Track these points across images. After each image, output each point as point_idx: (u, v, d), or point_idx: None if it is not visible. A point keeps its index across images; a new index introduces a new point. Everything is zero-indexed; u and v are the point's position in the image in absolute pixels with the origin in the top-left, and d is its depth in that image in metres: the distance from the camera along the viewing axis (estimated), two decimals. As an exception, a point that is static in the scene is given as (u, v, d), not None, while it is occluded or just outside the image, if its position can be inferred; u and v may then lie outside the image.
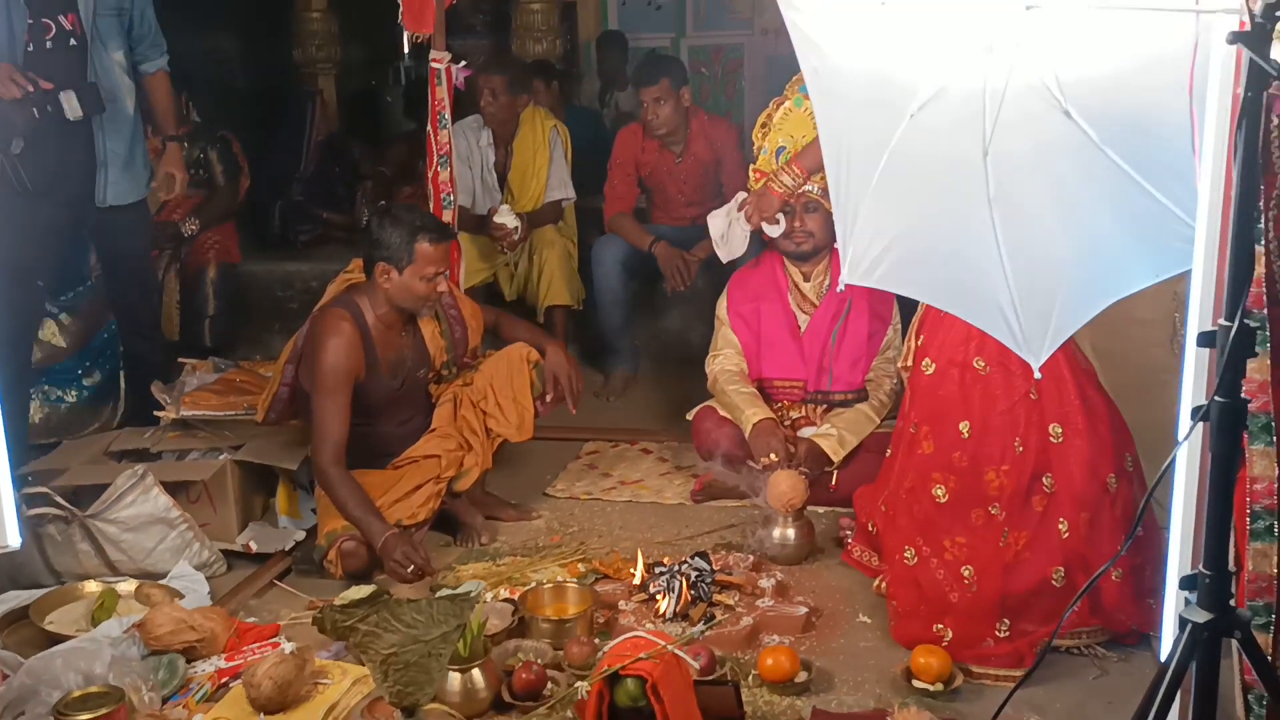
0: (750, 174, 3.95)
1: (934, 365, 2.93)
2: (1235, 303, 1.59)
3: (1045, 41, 1.93)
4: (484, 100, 4.89)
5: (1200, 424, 1.69)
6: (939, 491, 2.88)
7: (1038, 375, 1.90)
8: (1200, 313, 1.84)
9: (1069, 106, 1.98)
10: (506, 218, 4.77)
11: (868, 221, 1.86)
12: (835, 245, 3.70)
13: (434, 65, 4.08)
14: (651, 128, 4.79)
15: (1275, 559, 1.80)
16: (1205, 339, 1.65)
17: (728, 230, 4.13)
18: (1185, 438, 1.71)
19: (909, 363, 3.09)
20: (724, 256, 4.19)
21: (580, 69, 7.77)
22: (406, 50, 9.09)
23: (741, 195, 4.05)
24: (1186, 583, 1.72)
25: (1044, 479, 2.81)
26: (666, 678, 2.44)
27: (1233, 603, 1.71)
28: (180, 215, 5.32)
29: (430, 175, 4.14)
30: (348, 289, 3.46)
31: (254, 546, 3.44)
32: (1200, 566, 1.69)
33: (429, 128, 4.11)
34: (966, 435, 2.84)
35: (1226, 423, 1.61)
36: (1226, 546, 1.69)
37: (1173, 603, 2.00)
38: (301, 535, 3.54)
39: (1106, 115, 1.98)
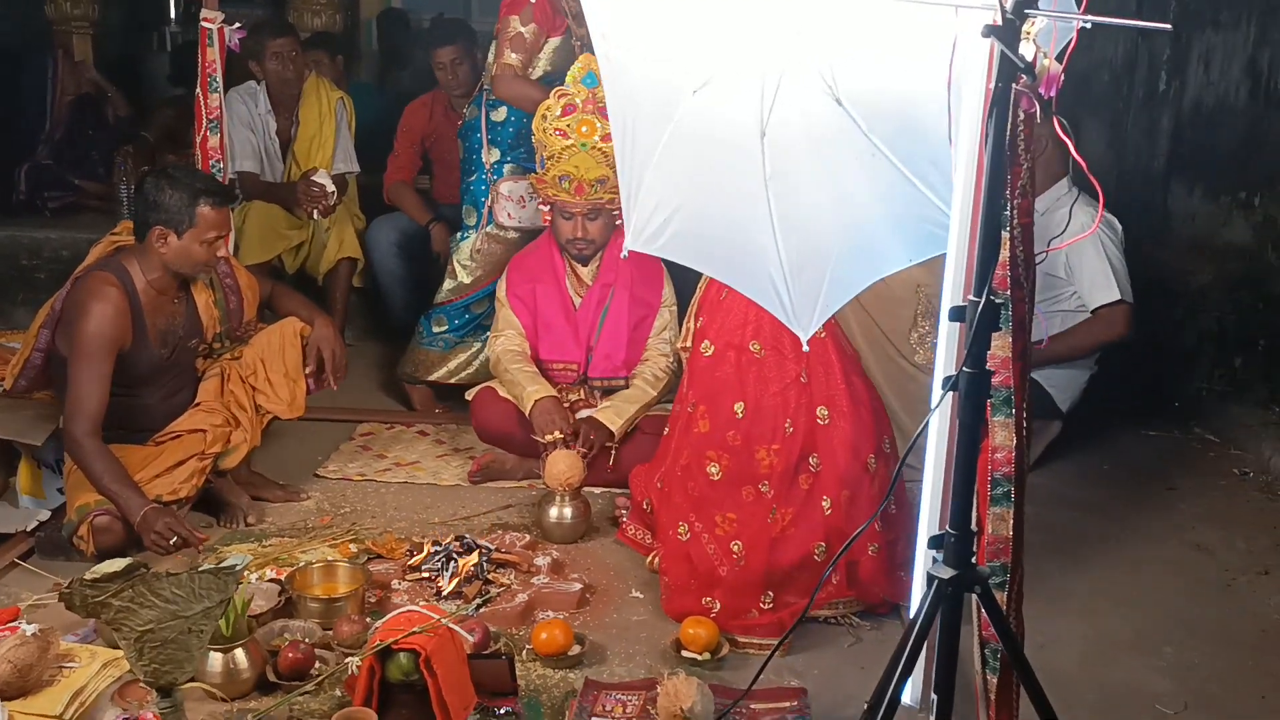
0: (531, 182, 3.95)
1: (712, 347, 3.02)
2: (983, 280, 1.71)
3: (822, 30, 2.02)
4: (270, 64, 4.72)
5: (950, 394, 1.82)
6: (713, 469, 2.97)
7: (806, 348, 2.00)
8: (952, 291, 1.98)
9: (840, 95, 2.08)
10: (325, 179, 4.62)
11: (651, 192, 1.91)
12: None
13: (205, 25, 3.90)
14: (449, 88, 4.78)
15: (1010, 523, 1.95)
16: (956, 314, 1.77)
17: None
18: (937, 405, 1.84)
19: (688, 344, 3.17)
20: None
21: (360, 46, 7.59)
22: (173, 14, 8.68)
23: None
24: (934, 542, 1.84)
25: (810, 459, 2.94)
26: (440, 652, 2.41)
27: (974, 561, 1.84)
28: (-90, 173, 4.89)
29: (199, 140, 3.95)
30: (114, 251, 3.25)
31: (-9, 526, 3.19)
32: (947, 527, 1.81)
33: (198, 90, 3.92)
34: (741, 415, 2.94)
35: (973, 392, 1.74)
36: (970, 509, 1.83)
37: (922, 564, 2.14)
38: (46, 515, 3.31)
39: (874, 105, 2.09)
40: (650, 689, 2.60)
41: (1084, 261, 3.86)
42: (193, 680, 2.31)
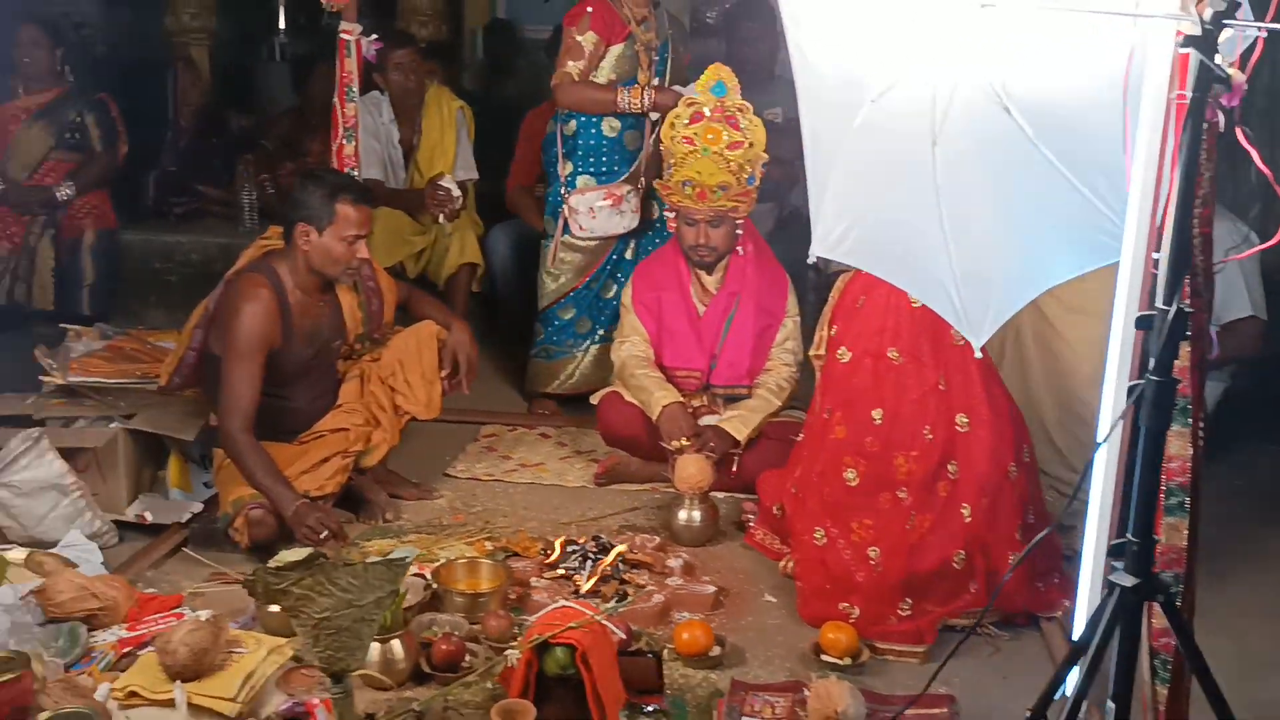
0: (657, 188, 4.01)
1: (849, 354, 3.04)
2: (1174, 288, 1.72)
3: (994, 40, 2.04)
4: (393, 75, 4.85)
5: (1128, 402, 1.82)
6: (850, 475, 2.99)
7: (979, 354, 2.02)
8: (1127, 301, 1.98)
9: (1009, 104, 2.10)
10: (451, 184, 4.72)
11: (834, 198, 1.95)
12: (736, 248, 3.88)
13: (343, 37, 4.02)
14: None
15: (1184, 533, 1.95)
16: (1144, 322, 1.78)
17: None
18: (1121, 416, 1.84)
19: (821, 351, 3.20)
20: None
21: (465, 56, 7.72)
22: (282, 26, 8.91)
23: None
24: (1115, 550, 1.85)
25: (949, 466, 2.95)
26: (595, 648, 2.47)
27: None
28: (54, 179, 5.10)
29: (335, 148, 4.07)
30: (264, 255, 3.37)
31: (149, 517, 3.33)
32: (1129, 535, 1.82)
33: (335, 100, 4.05)
34: (879, 422, 2.96)
35: (1161, 400, 1.74)
36: (1154, 516, 1.83)
37: (1089, 573, 2.14)
38: (198, 507, 3.43)
39: (1042, 113, 2.11)
40: (797, 691, 2.62)
41: (1219, 275, 3.80)
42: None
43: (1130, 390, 1.79)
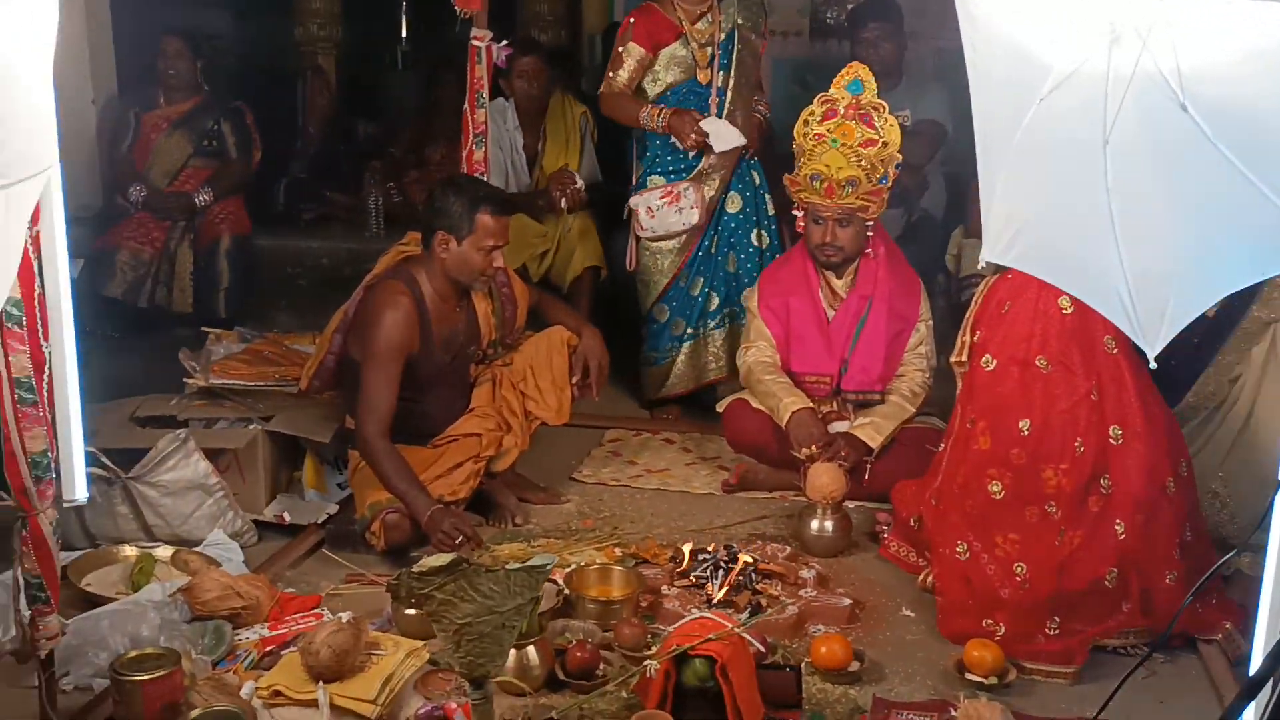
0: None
1: (994, 361, 2.94)
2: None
3: (1171, 31, 1.93)
4: (518, 81, 4.88)
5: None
6: (995, 488, 2.88)
7: (1152, 365, 1.91)
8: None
9: (1185, 100, 1.98)
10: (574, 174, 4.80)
11: (1003, 200, 1.87)
12: (866, 250, 3.80)
13: (475, 43, 4.04)
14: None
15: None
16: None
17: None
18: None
19: (963, 358, 3.09)
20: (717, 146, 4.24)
21: (584, 61, 7.75)
22: (404, 35, 9.07)
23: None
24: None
25: (1102, 480, 2.82)
26: (735, 660, 2.42)
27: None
28: (193, 186, 5.25)
29: (465, 154, 4.10)
30: (403, 261, 3.41)
31: (287, 518, 3.39)
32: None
33: (465, 106, 4.07)
34: (1026, 433, 2.84)
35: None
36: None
37: (1268, 603, 2.02)
38: (334, 509, 3.48)
39: (1222, 112, 1.98)
40: (943, 711, 2.54)
41: None
42: (499, 674, 2.38)
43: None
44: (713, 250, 4.41)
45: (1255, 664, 2.03)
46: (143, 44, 5.50)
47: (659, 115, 4.24)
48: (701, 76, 4.32)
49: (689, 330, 4.43)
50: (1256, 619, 2.07)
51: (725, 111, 4.28)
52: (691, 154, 4.29)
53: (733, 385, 4.19)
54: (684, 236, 4.36)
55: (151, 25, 5.45)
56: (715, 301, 4.42)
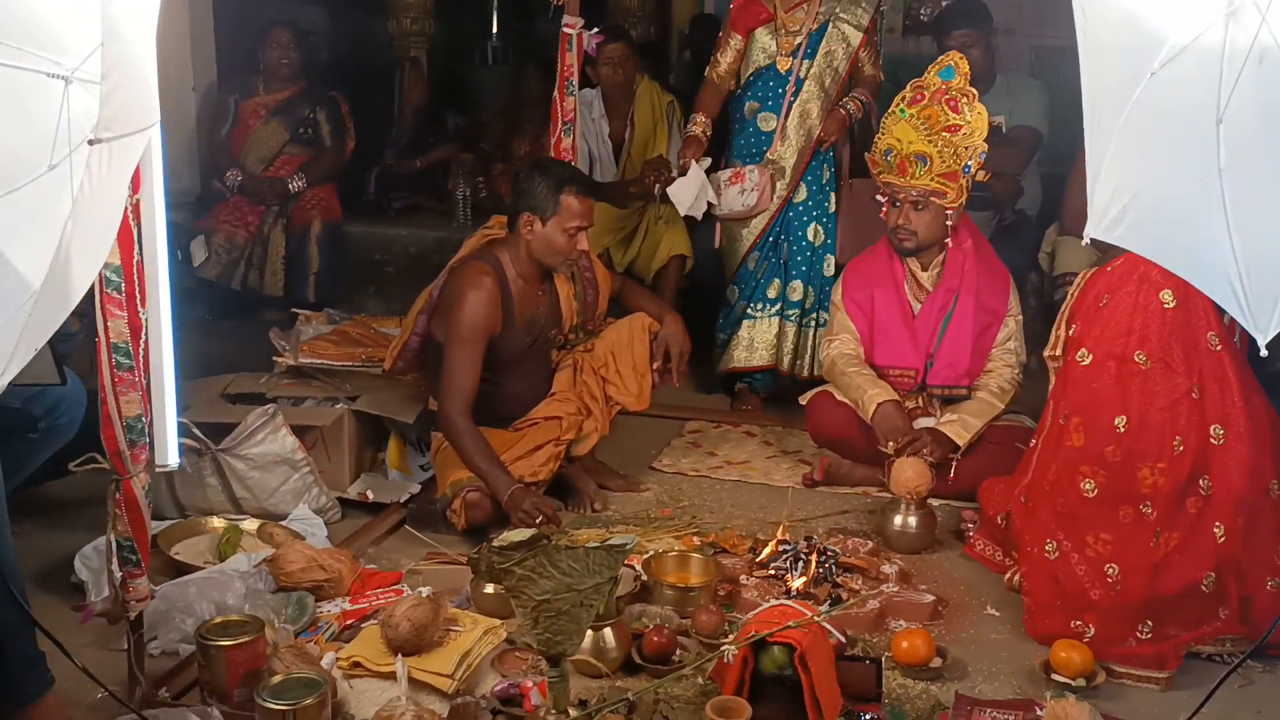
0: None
1: (1090, 356, 2.85)
2: None
3: (1289, 8, 1.85)
4: (604, 69, 4.88)
5: None
6: (1087, 486, 2.79)
7: (1264, 352, 1.83)
8: None
9: (1302, 78, 1.89)
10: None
11: (1110, 175, 1.81)
12: (947, 240, 3.72)
13: (566, 31, 4.05)
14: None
15: None
16: None
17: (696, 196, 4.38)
18: None
19: (1057, 352, 3.01)
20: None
21: (672, 54, 7.73)
22: (495, 30, 9.16)
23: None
24: None
25: (1201, 480, 2.72)
26: (814, 649, 2.38)
27: None
28: (287, 172, 5.35)
29: (553, 142, 4.11)
30: (488, 243, 3.43)
31: (370, 495, 3.43)
32: None
33: (555, 94, 4.09)
34: (1122, 430, 2.75)
35: None
36: None
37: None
38: (417, 488, 3.52)
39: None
40: (1029, 710, 2.47)
41: None
42: (575, 654, 2.37)
43: None
44: (778, 238, 4.47)
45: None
46: (243, 34, 5.64)
47: (692, 121, 4.43)
48: (781, 65, 4.36)
49: (749, 310, 4.48)
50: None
51: (799, 99, 4.34)
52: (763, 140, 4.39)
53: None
54: (754, 220, 4.41)
55: (251, 17, 5.58)
56: (776, 288, 4.46)
